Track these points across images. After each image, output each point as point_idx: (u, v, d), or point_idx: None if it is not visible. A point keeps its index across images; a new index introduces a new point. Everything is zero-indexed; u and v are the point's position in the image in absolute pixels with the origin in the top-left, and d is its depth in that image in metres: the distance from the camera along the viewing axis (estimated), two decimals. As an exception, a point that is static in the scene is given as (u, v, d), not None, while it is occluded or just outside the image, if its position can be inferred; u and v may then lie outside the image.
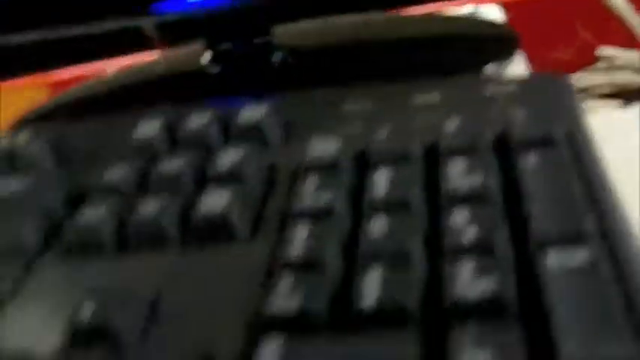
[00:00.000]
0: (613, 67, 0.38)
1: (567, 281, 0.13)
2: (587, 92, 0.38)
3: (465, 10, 0.39)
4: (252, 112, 0.21)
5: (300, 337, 0.13)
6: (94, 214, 0.18)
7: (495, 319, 0.13)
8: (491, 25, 0.35)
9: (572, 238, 0.14)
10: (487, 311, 0.13)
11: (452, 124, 0.19)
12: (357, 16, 0.34)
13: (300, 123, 0.21)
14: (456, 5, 0.38)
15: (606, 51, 0.39)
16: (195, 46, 0.34)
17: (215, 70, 0.33)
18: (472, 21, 0.36)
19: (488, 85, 0.21)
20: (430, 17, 0.35)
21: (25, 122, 0.34)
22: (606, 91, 0.37)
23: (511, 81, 0.21)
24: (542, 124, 0.18)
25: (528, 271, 0.14)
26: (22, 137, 0.24)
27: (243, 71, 0.33)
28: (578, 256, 0.14)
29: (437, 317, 0.13)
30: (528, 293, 0.13)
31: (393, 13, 0.35)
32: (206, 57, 0.33)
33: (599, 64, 0.39)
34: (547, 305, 0.13)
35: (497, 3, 0.39)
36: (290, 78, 0.32)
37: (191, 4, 0.31)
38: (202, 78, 0.33)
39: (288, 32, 0.32)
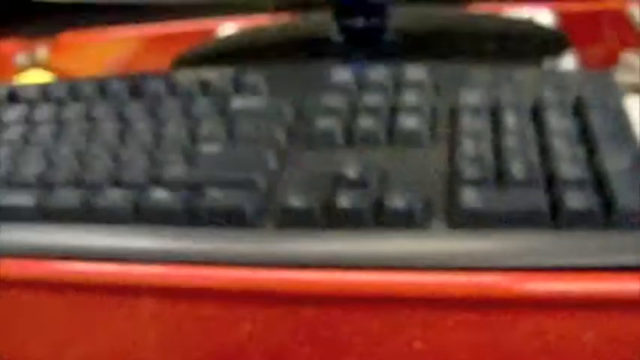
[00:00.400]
0: (632, 68, 0.52)
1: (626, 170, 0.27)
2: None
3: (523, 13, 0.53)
4: (414, 71, 0.35)
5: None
6: (327, 120, 0.32)
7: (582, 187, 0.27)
8: (547, 27, 0.50)
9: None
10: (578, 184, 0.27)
11: (547, 91, 0.33)
12: (449, 9, 0.48)
13: (444, 82, 0.35)
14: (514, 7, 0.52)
15: (627, 54, 0.53)
16: (322, 16, 0.47)
17: (339, 39, 0.46)
18: (532, 23, 0.50)
19: (564, 73, 0.35)
20: (503, 18, 0.49)
21: (182, 63, 0.47)
22: (626, 90, 0.52)
23: (577, 74, 0.35)
24: (600, 96, 0.32)
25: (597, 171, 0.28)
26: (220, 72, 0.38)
27: (361, 44, 0.46)
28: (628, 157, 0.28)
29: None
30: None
31: (476, 10, 0.49)
32: (333, 28, 0.47)
33: (620, 66, 0.53)
34: (611, 183, 0.27)
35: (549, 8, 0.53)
36: (395, 53, 0.45)
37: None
38: (328, 44, 0.47)
39: (399, 16, 0.46)
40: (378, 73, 0.35)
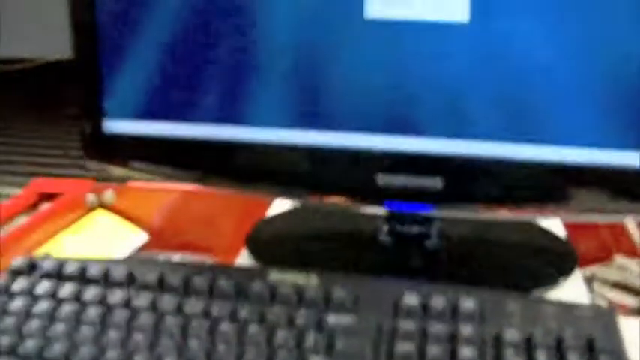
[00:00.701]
0: (624, 270, 0.66)
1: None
2: (602, 281, 0.66)
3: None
4: (469, 302, 0.47)
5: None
6: (405, 345, 0.44)
7: None
8: (557, 242, 0.63)
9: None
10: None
11: (567, 329, 0.45)
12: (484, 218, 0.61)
13: (488, 310, 0.48)
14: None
15: (621, 259, 0.67)
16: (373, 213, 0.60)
17: (388, 241, 0.60)
18: (543, 238, 0.64)
19: (579, 310, 0.48)
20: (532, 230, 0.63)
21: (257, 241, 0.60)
22: (617, 285, 0.65)
23: (589, 310, 0.48)
24: (606, 336, 0.45)
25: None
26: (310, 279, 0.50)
27: (407, 248, 0.59)
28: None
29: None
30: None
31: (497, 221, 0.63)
32: (383, 229, 0.60)
33: (615, 264, 0.67)
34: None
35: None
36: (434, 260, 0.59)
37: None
38: (376, 242, 0.60)
39: (442, 224, 0.60)
40: (438, 302, 0.48)
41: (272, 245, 0.63)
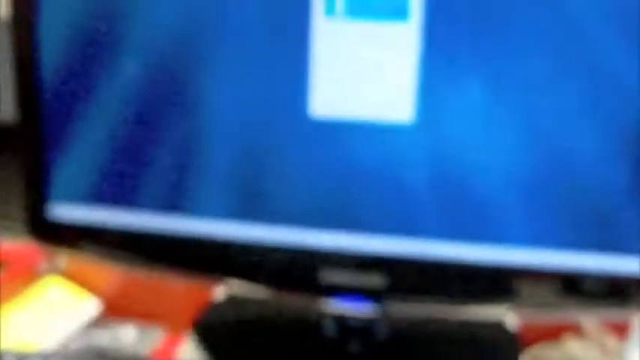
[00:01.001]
0: (572, 350, 0.66)
1: None
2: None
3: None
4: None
5: None
6: None
7: None
8: (501, 331, 0.63)
9: None
10: None
11: None
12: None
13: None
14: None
15: (568, 339, 0.67)
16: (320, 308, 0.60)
17: (332, 333, 0.59)
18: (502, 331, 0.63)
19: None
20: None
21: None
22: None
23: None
24: None
25: None
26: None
27: (351, 341, 0.59)
28: None
29: None
30: None
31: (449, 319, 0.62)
32: (327, 323, 0.59)
33: (563, 345, 0.67)
34: None
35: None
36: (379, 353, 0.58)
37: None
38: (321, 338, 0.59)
39: (389, 317, 0.59)
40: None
41: (218, 334, 0.62)
